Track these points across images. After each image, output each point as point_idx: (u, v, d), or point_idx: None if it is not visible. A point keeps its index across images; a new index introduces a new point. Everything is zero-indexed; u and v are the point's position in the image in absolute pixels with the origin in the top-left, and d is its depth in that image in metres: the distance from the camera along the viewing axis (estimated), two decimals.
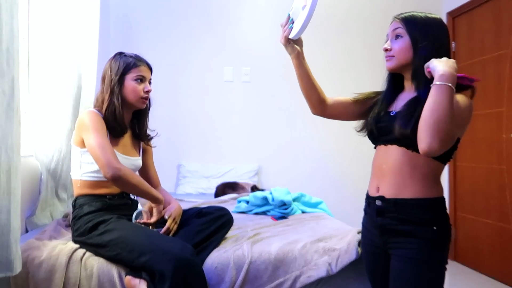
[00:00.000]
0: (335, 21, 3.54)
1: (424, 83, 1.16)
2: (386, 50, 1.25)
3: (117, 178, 1.48)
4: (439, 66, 1.06)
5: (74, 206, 1.63)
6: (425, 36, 1.18)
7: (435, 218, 1.16)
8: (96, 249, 1.48)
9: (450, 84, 1.04)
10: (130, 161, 1.70)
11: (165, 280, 1.30)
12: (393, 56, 1.23)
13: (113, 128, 1.63)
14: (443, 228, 1.16)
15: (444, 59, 1.09)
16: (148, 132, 1.82)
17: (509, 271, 2.80)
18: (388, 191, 1.19)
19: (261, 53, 3.48)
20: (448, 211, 1.21)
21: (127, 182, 1.51)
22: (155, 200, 1.62)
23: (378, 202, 1.21)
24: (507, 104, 2.84)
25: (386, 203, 1.19)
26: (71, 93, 2.13)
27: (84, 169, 1.61)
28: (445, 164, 1.19)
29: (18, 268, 1.32)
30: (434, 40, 1.18)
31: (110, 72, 1.64)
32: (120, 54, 1.69)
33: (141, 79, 1.67)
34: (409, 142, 1.15)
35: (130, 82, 1.65)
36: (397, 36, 1.22)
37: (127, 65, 1.65)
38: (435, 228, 1.15)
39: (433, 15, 1.22)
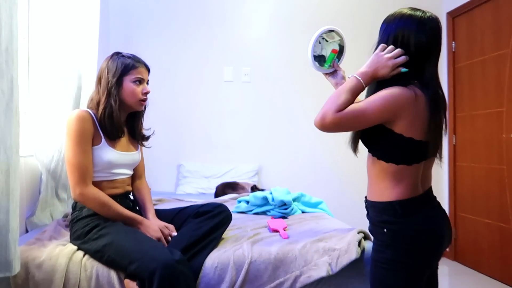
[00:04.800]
0: (336, 23, 3.53)
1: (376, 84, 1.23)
2: None
3: (79, 201, 1.55)
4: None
5: (74, 208, 1.62)
6: (382, 33, 1.25)
7: (386, 221, 1.20)
8: (92, 253, 1.47)
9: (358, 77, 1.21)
10: (129, 157, 1.69)
11: (152, 286, 1.29)
12: None
13: (110, 131, 1.60)
14: (394, 230, 1.18)
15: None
16: (144, 132, 1.81)
17: (509, 271, 2.80)
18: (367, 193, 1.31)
19: (261, 53, 3.48)
20: (448, 211, 1.22)
21: (91, 205, 1.55)
22: (131, 223, 1.57)
23: (365, 202, 1.33)
24: (507, 104, 2.83)
25: (366, 203, 1.32)
26: (71, 93, 2.13)
27: None
28: (405, 164, 1.17)
29: (17, 268, 1.32)
30: (388, 35, 1.22)
31: (107, 73, 1.60)
32: (117, 54, 1.65)
33: (139, 81, 1.64)
34: (367, 146, 1.25)
35: (128, 84, 1.61)
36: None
37: (125, 67, 1.61)
38: (385, 230, 1.19)
39: (398, 11, 1.22)
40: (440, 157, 1.25)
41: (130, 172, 1.75)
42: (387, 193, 1.19)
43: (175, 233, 1.62)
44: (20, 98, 1.40)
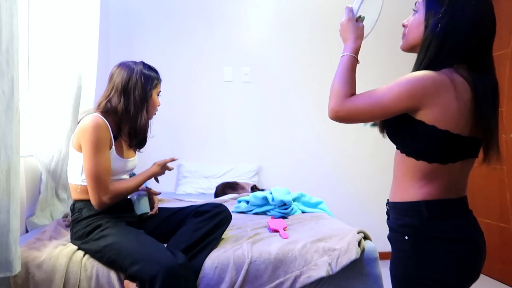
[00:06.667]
0: (337, 23, 3.53)
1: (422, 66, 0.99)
2: (403, 26, 1.10)
3: (105, 207, 1.56)
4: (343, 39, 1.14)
5: (72, 210, 1.62)
6: (439, 9, 0.98)
7: (408, 224, 0.99)
8: (92, 254, 1.48)
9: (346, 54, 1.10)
10: (130, 163, 1.71)
11: None
12: (406, 35, 1.08)
13: (133, 140, 1.68)
14: (417, 237, 0.98)
15: (343, 25, 1.15)
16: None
17: (509, 271, 2.80)
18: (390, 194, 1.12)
19: (261, 53, 3.48)
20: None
21: (116, 201, 1.59)
22: (148, 178, 1.68)
23: (386, 205, 1.14)
24: (507, 104, 2.84)
25: (387, 206, 1.13)
26: (71, 93, 2.13)
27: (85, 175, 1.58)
28: (438, 163, 0.99)
29: (17, 268, 1.32)
30: (447, 14, 0.98)
31: (143, 83, 1.61)
32: (144, 65, 1.67)
33: (159, 94, 1.73)
34: (394, 141, 1.06)
35: (155, 96, 1.70)
36: (414, 11, 1.06)
37: (155, 79, 1.67)
38: (406, 237, 0.99)
39: None
40: (493, 159, 1.08)
41: (127, 177, 1.77)
42: (413, 192, 0.99)
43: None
44: (20, 98, 1.40)
